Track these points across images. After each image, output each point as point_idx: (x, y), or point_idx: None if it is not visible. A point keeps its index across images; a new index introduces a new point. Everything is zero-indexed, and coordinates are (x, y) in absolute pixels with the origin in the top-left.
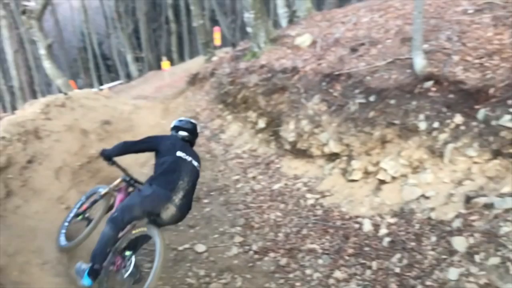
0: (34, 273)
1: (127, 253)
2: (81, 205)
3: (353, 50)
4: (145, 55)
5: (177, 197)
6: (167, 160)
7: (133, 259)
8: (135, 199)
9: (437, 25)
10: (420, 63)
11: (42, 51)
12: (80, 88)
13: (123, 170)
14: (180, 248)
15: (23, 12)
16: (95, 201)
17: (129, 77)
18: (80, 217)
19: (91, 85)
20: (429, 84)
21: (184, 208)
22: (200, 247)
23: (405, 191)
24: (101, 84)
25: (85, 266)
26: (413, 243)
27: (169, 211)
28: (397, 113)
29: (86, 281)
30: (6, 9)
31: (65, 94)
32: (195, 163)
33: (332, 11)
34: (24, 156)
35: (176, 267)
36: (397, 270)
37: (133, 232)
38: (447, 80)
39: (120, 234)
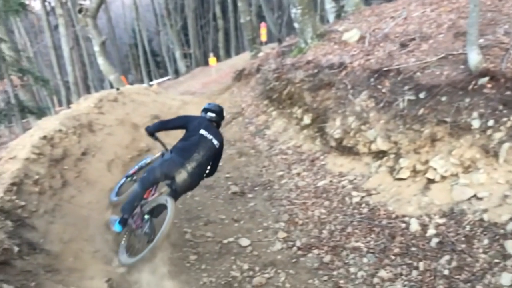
0: (87, 260)
1: (146, 216)
2: (132, 170)
3: (403, 45)
4: (192, 51)
5: (190, 166)
6: (190, 135)
7: (149, 222)
8: (157, 163)
9: (494, 19)
10: (475, 58)
11: (96, 48)
12: (130, 83)
13: (163, 145)
14: (225, 241)
15: (80, 11)
16: (141, 168)
17: (177, 73)
18: (129, 179)
19: (141, 81)
20: (484, 80)
21: (195, 176)
22: (244, 241)
23: (455, 191)
24: (150, 79)
25: (116, 217)
26: (463, 245)
27: (181, 176)
28: (448, 110)
29: (117, 227)
30: (63, 8)
31: (117, 89)
32: (215, 142)
33: (382, 6)
34: (79, 149)
35: (221, 259)
36: (446, 272)
37: (154, 200)
38: (505, 77)
39: (150, 199)
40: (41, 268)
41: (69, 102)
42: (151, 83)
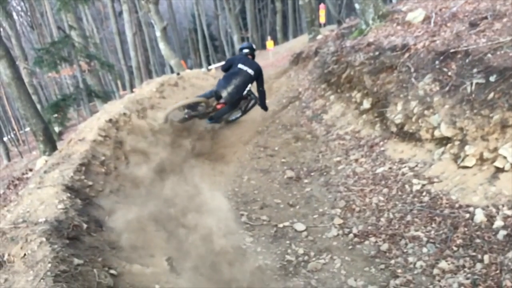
0: (149, 239)
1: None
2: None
3: (473, 25)
4: (250, 35)
5: (230, 87)
6: (232, 69)
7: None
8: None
9: None
10: None
11: (158, 33)
12: (190, 68)
13: None
14: (280, 225)
15: None
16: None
17: None
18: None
19: (200, 65)
20: None
21: (232, 94)
22: (300, 226)
23: None
24: (209, 64)
25: None
26: None
27: (223, 93)
28: None
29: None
30: None
31: (178, 74)
32: (249, 71)
33: None
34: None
35: (276, 243)
36: None
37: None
38: None
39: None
40: (107, 244)
41: (132, 86)
42: (209, 67)
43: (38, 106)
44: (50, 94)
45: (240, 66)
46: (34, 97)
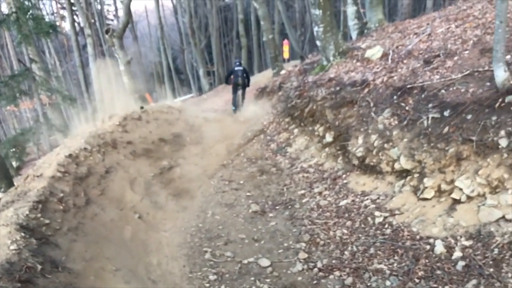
0: (108, 279)
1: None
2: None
3: (427, 62)
4: (216, 69)
5: (240, 79)
6: (235, 73)
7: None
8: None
9: None
10: (501, 75)
11: (122, 67)
12: (155, 101)
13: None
14: (245, 261)
15: (107, 31)
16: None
17: (200, 90)
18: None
19: (165, 99)
20: (511, 98)
21: (243, 82)
22: (265, 262)
23: (482, 212)
24: (174, 97)
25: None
26: (491, 269)
27: (240, 82)
28: (474, 128)
29: (233, 109)
30: (91, 28)
31: (142, 108)
32: (240, 69)
33: (405, 22)
34: (103, 167)
35: (240, 280)
36: None
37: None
38: None
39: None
40: (63, 286)
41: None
42: (175, 100)
43: None
44: (9, 127)
45: (236, 69)
46: None
